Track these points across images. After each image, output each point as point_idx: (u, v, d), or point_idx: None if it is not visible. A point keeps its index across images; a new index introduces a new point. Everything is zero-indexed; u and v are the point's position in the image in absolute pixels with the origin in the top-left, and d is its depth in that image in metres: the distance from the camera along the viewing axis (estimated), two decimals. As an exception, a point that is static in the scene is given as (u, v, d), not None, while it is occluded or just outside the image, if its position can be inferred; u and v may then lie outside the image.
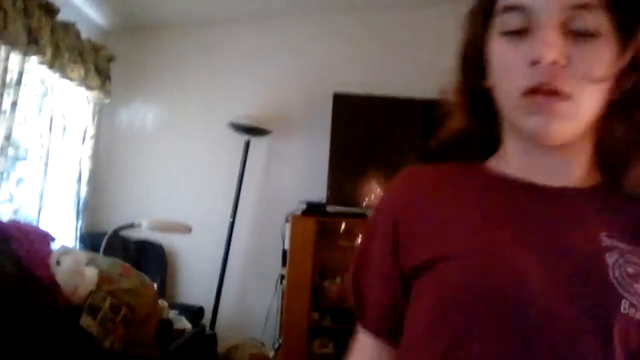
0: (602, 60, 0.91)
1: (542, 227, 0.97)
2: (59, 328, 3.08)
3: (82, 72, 4.97)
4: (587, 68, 0.90)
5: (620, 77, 0.95)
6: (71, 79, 4.88)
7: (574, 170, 1.02)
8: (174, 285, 5.51)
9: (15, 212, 4.58)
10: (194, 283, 5.48)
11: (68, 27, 4.76)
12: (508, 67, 0.96)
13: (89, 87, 5.17)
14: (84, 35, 5.03)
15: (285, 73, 5.53)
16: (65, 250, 3.43)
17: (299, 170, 5.33)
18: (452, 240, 0.98)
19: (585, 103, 0.93)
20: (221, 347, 4.80)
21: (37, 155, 4.78)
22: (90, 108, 5.43)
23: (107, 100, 5.51)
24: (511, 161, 1.07)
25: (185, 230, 4.09)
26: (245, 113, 5.15)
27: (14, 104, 4.22)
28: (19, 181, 4.65)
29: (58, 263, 3.26)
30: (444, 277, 0.96)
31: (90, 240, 5.12)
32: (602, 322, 0.86)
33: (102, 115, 5.63)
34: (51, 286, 3.15)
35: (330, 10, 5.41)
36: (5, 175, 4.31)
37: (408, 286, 1.03)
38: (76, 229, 5.32)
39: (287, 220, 5.00)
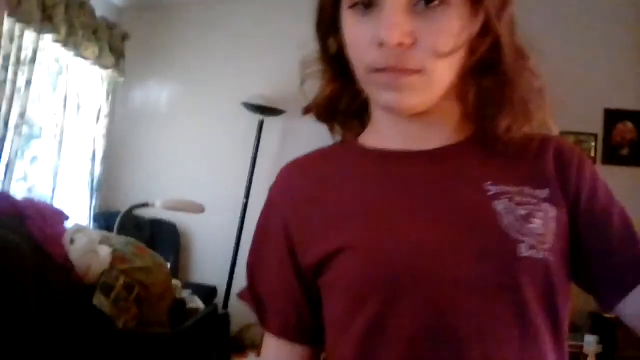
0: (451, 31, 0.90)
1: (428, 191, 0.98)
2: (73, 307, 3.10)
3: (96, 50, 4.97)
4: (436, 43, 0.90)
5: (475, 42, 0.95)
6: (85, 58, 4.88)
7: (444, 130, 1.03)
8: (187, 264, 5.52)
9: (30, 190, 4.61)
10: (208, 263, 5.49)
11: (82, 5, 4.76)
12: (356, 44, 0.96)
13: (103, 66, 5.18)
14: (99, 13, 5.02)
15: (300, 52, 5.45)
16: (79, 229, 3.43)
17: (313, 149, 5.20)
18: (345, 229, 0.98)
19: (437, 75, 0.93)
20: (234, 326, 4.82)
21: (51, 134, 4.80)
22: (104, 87, 5.43)
23: (122, 79, 5.52)
24: (384, 133, 1.07)
25: (199, 209, 4.08)
26: (259, 92, 5.13)
27: (29, 82, 4.24)
28: (33, 159, 4.67)
29: (72, 242, 3.26)
30: (347, 269, 0.96)
31: (104, 219, 5.14)
32: (507, 271, 0.89)
33: (116, 94, 5.63)
34: (65, 265, 3.16)
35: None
36: (19, 153, 4.33)
37: (312, 284, 1.03)
38: (90, 208, 5.34)
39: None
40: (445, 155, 1.01)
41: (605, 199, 0.99)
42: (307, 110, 1.17)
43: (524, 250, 0.89)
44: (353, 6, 0.94)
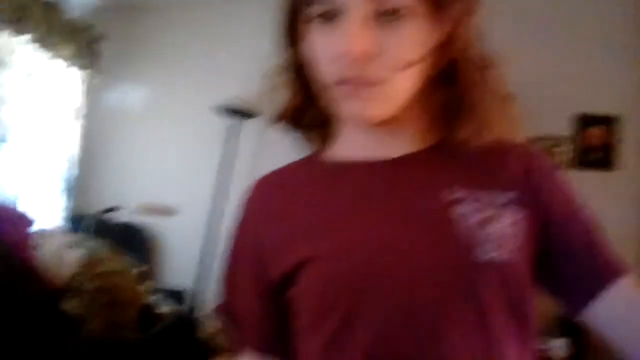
0: (413, 42, 0.92)
1: (390, 199, 1.00)
2: (43, 311, 3.07)
3: (71, 51, 4.93)
4: (398, 54, 0.91)
5: (437, 53, 0.97)
6: (61, 58, 4.85)
7: (409, 138, 1.05)
8: (158, 268, 5.48)
9: (0, 193, 4.56)
10: (179, 267, 5.44)
11: (58, 6, 4.72)
12: (318, 56, 0.97)
13: (79, 67, 5.14)
14: (74, 13, 4.98)
15: (276, 53, 5.42)
16: (49, 233, 3.41)
17: (289, 153, 5.15)
18: (310, 241, 1.00)
19: (399, 85, 0.94)
20: (204, 331, 4.80)
21: (25, 136, 4.76)
22: (80, 87, 5.40)
23: (97, 80, 5.46)
24: (349, 143, 1.09)
25: (170, 213, 4.07)
26: (235, 95, 5.11)
27: (3, 84, 4.20)
28: (5, 161, 4.63)
29: (41, 245, 3.25)
30: (312, 278, 0.98)
31: (75, 222, 5.10)
32: (466, 274, 0.91)
33: (92, 94, 5.58)
34: (34, 269, 3.14)
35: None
36: (-8, 154, 4.30)
37: (282, 297, 1.05)
38: (62, 211, 5.30)
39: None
40: (408, 163, 1.03)
41: (571, 204, 1.01)
42: (276, 120, 1.18)
43: (482, 254, 0.90)
44: (315, 18, 0.95)
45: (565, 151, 4.98)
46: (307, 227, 1.03)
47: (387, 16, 0.90)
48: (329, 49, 0.93)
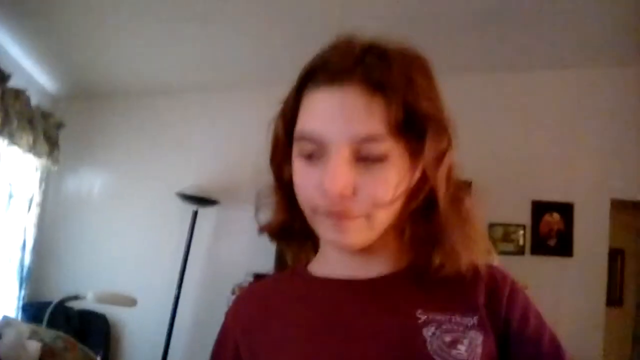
0: (390, 183, 0.97)
1: (363, 318, 1.04)
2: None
3: (30, 139, 4.91)
4: (375, 193, 0.97)
5: (414, 189, 1.03)
6: (19, 146, 4.83)
7: (384, 260, 1.11)
8: (118, 357, 5.38)
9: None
10: (139, 355, 5.36)
11: (18, 94, 4.72)
12: (302, 186, 1.02)
13: (37, 154, 5.11)
14: (34, 101, 4.98)
15: (233, 143, 5.46)
16: (7, 323, 3.35)
17: (247, 241, 5.13)
18: (285, 355, 1.04)
19: (378, 219, 1.00)
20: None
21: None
22: (37, 175, 5.36)
23: (55, 168, 5.44)
24: (330, 261, 1.15)
25: (131, 303, 4.03)
26: (193, 183, 5.15)
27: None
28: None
29: (1, 335, 3.19)
30: None
31: (32, 310, 5.00)
32: None
33: (49, 182, 5.56)
34: (-7, 359, 3.08)
35: (277, 83, 5.45)
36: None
37: None
38: (18, 299, 5.18)
39: (233, 292, 4.93)
40: (382, 284, 1.08)
41: (535, 324, 1.05)
42: (261, 231, 1.23)
43: None
44: (301, 154, 1.01)
45: (522, 238, 5.06)
46: (283, 341, 1.06)
47: (366, 159, 0.96)
48: (311, 181, 0.98)
